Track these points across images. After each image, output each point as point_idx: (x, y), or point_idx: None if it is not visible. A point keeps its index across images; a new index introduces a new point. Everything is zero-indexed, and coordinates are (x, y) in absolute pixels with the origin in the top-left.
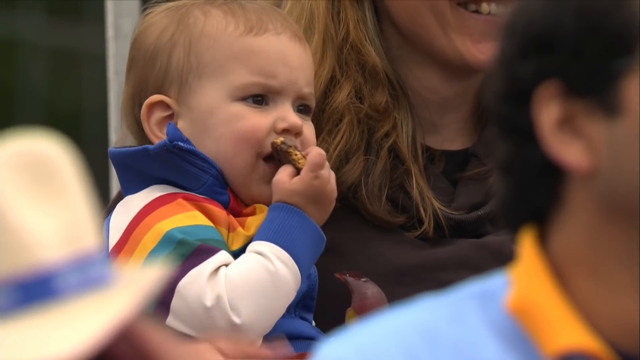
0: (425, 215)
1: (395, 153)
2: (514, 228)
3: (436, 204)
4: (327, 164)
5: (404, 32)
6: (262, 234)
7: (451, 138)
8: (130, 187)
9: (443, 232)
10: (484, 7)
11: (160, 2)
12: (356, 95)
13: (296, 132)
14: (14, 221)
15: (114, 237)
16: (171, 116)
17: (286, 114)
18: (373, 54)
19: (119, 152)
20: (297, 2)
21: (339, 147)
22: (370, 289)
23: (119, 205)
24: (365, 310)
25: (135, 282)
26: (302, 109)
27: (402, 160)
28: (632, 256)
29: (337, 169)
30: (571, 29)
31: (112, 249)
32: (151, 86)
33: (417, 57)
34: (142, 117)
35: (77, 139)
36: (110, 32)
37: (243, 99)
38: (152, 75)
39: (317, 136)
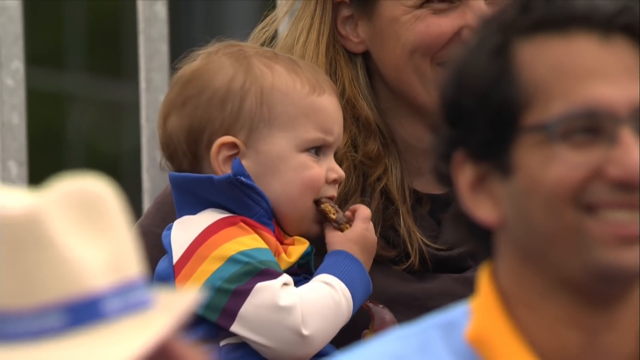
0: (412, 250)
1: (386, 195)
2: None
3: (422, 241)
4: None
5: (391, 88)
6: (330, 270)
7: (435, 181)
8: (186, 207)
9: (428, 265)
10: None
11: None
12: (352, 144)
13: (340, 182)
14: (67, 252)
15: (177, 252)
16: (235, 154)
17: (333, 166)
18: (366, 108)
19: (180, 177)
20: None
21: (338, 191)
22: (387, 314)
23: (178, 222)
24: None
25: (172, 305)
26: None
27: (392, 201)
28: (552, 291)
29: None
30: (462, 104)
31: (176, 263)
32: (219, 126)
33: (404, 109)
34: (212, 154)
35: (116, 177)
36: (142, 84)
37: (306, 149)
38: (220, 116)
39: None
